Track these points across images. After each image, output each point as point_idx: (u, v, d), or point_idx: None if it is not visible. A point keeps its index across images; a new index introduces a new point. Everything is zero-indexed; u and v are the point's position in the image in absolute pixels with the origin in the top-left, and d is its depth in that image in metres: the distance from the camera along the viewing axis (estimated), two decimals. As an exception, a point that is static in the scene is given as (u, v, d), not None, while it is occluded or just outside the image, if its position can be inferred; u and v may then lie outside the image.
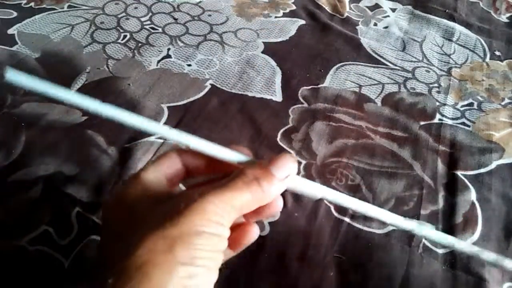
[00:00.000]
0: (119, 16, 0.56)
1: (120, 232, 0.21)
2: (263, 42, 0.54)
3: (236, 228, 0.26)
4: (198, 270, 0.19)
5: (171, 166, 0.25)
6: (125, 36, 0.53)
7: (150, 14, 0.57)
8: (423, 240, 0.36)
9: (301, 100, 0.47)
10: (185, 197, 0.21)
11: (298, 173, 0.40)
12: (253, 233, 0.26)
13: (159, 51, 0.51)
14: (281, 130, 0.43)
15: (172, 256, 0.18)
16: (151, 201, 0.22)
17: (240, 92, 0.47)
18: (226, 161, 0.24)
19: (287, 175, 0.23)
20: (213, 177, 0.26)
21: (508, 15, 0.64)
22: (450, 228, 0.37)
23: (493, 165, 0.42)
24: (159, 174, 0.24)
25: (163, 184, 0.24)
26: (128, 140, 0.41)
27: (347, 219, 0.37)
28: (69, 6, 0.56)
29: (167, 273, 0.18)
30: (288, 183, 0.24)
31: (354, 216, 0.37)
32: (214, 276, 0.20)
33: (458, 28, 0.60)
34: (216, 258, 0.20)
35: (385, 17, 0.61)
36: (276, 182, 0.23)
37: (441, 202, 0.38)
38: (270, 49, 0.53)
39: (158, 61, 0.50)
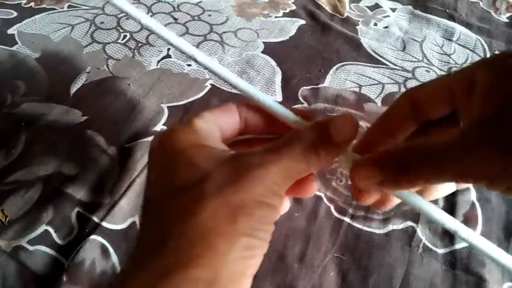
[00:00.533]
0: (119, 16, 0.56)
1: (174, 181, 0.20)
2: (263, 42, 0.54)
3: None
4: (257, 242, 0.18)
5: (228, 118, 0.23)
6: (125, 36, 0.53)
7: (150, 14, 0.57)
8: (423, 240, 0.36)
9: (301, 100, 0.47)
10: (244, 160, 0.19)
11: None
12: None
13: (159, 51, 0.51)
14: (281, 130, 0.43)
15: (235, 226, 0.18)
16: (208, 155, 0.20)
17: (240, 92, 0.47)
18: (286, 121, 0.23)
19: (347, 139, 0.21)
20: (265, 136, 0.24)
21: (508, 15, 0.64)
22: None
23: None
24: (213, 125, 0.22)
25: (217, 137, 0.22)
26: (128, 140, 0.41)
27: (347, 219, 0.37)
28: (69, 6, 0.56)
29: (229, 244, 0.17)
30: (347, 149, 0.21)
31: (354, 216, 0.37)
32: (267, 248, 0.20)
33: (458, 28, 0.60)
34: (270, 230, 0.19)
35: (385, 17, 0.61)
36: (334, 149, 0.21)
37: (441, 202, 0.38)
38: (270, 49, 0.53)
39: (158, 61, 0.50)
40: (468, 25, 0.60)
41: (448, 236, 0.36)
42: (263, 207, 0.18)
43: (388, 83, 0.50)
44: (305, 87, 0.48)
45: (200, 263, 0.17)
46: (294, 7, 0.61)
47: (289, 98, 0.47)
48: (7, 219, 0.34)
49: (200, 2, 0.60)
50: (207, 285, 0.17)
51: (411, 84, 0.50)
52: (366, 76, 0.51)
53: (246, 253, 0.18)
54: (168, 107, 0.45)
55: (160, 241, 0.18)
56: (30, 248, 0.33)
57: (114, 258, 0.33)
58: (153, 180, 0.21)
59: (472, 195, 0.39)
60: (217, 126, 0.23)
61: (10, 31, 0.51)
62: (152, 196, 0.21)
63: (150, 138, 0.41)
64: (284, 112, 0.23)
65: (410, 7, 0.63)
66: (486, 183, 0.17)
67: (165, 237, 0.18)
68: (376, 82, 0.50)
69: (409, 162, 0.19)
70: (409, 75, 0.52)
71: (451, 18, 0.61)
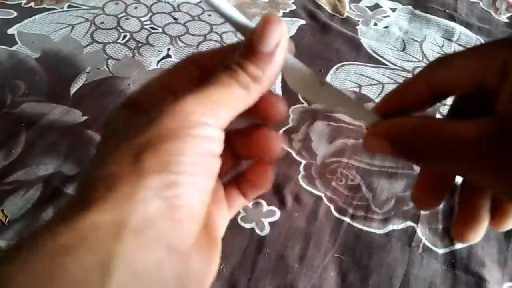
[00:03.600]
0: (119, 16, 0.56)
1: (98, 148, 0.20)
2: (263, 42, 0.54)
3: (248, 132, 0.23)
4: (178, 178, 0.17)
5: (181, 73, 0.22)
6: (125, 36, 0.53)
7: (150, 14, 0.57)
8: (423, 240, 0.36)
9: (301, 100, 0.47)
10: (163, 103, 0.18)
11: (298, 173, 0.40)
12: (272, 135, 0.22)
13: (159, 51, 0.51)
14: (281, 130, 0.43)
15: (139, 165, 0.16)
16: (132, 115, 0.19)
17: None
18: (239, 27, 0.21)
19: (276, 44, 0.19)
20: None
21: (508, 15, 0.64)
22: (450, 228, 0.37)
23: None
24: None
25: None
26: (128, 140, 0.41)
27: (347, 219, 0.37)
28: (69, 6, 0.56)
29: (134, 183, 0.16)
30: (281, 55, 0.19)
31: (354, 216, 0.37)
32: (208, 182, 0.18)
33: (458, 28, 0.60)
34: (206, 163, 0.18)
35: (385, 17, 0.61)
36: (266, 61, 0.19)
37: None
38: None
39: (158, 61, 0.50)
40: (468, 25, 0.60)
41: (448, 236, 0.36)
42: (181, 139, 0.17)
43: (388, 83, 0.50)
44: (305, 87, 0.48)
45: (101, 206, 0.15)
46: (294, 7, 0.61)
47: (289, 98, 0.47)
48: (7, 219, 0.34)
49: (200, 2, 0.60)
50: (114, 228, 0.15)
51: (411, 84, 0.50)
52: (366, 76, 0.51)
53: (165, 193, 0.16)
54: (168, 107, 0.45)
55: (76, 191, 0.18)
56: (30, 248, 0.33)
57: (114, 258, 0.33)
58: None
59: (472, 195, 0.39)
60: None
61: (10, 31, 0.51)
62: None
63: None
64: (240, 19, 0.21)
65: (410, 7, 0.63)
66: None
67: (78, 185, 0.17)
68: (376, 82, 0.50)
69: (420, 146, 0.17)
70: (409, 75, 0.52)
71: (451, 18, 0.61)
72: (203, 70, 0.22)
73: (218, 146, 0.19)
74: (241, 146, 0.23)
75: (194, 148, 0.17)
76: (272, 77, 0.20)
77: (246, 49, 0.19)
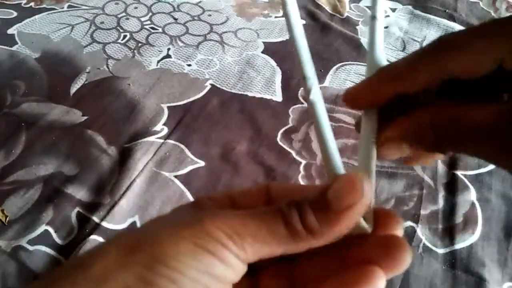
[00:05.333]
0: (119, 16, 0.56)
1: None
2: (263, 42, 0.54)
3: None
4: (161, 282, 0.15)
5: (247, 192, 0.20)
6: (125, 36, 0.53)
7: (150, 14, 0.57)
8: (423, 240, 0.36)
9: (301, 100, 0.47)
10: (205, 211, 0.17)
11: (298, 173, 0.40)
12: None
13: (159, 51, 0.51)
14: (281, 130, 0.43)
15: (127, 256, 0.15)
16: (187, 212, 0.18)
17: (240, 92, 0.47)
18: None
19: (354, 205, 0.16)
20: None
21: (508, 15, 0.64)
22: (450, 228, 0.37)
23: (493, 165, 0.42)
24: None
25: None
26: (128, 140, 0.41)
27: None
28: (69, 6, 0.56)
29: (112, 265, 0.15)
30: (351, 219, 0.16)
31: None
32: None
33: (458, 28, 0.60)
34: (206, 285, 0.15)
35: (385, 17, 0.61)
36: (330, 218, 0.16)
37: (441, 202, 0.38)
38: (270, 49, 0.53)
39: (158, 61, 0.50)
40: (468, 25, 0.60)
41: (448, 236, 0.36)
42: (183, 245, 0.15)
43: (388, 83, 0.50)
44: (305, 87, 0.48)
45: (64, 282, 0.14)
46: (294, 7, 0.61)
47: (289, 98, 0.47)
48: (7, 219, 0.34)
49: (200, 2, 0.60)
50: None
51: (411, 84, 0.50)
52: (366, 76, 0.51)
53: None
54: (168, 107, 0.45)
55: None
56: (30, 248, 0.33)
57: (114, 258, 0.33)
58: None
59: (472, 195, 0.39)
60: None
61: (10, 31, 0.51)
62: None
63: (150, 138, 0.41)
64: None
65: (410, 7, 0.63)
66: None
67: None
68: (376, 82, 0.50)
69: (441, 137, 0.16)
70: (409, 75, 0.52)
71: (451, 18, 0.61)
72: (272, 199, 0.19)
73: (233, 275, 0.16)
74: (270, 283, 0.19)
75: (199, 261, 0.15)
76: (332, 237, 0.16)
77: (314, 197, 0.16)
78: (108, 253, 0.15)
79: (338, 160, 0.18)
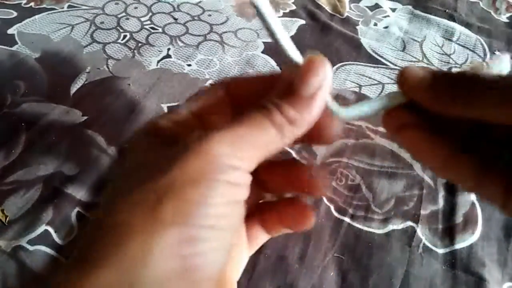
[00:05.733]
0: (119, 16, 0.56)
1: (114, 182, 0.18)
2: (263, 42, 0.54)
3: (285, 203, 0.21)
4: (200, 232, 0.15)
5: (207, 100, 0.20)
6: (125, 36, 0.53)
7: (150, 14, 0.57)
8: (423, 240, 0.36)
9: (301, 100, 0.47)
10: (189, 137, 0.16)
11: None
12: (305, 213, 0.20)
13: (159, 51, 0.51)
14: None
15: (156, 215, 0.14)
16: (156, 147, 0.17)
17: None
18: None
19: (318, 88, 0.17)
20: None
21: (508, 15, 0.64)
22: (450, 228, 0.37)
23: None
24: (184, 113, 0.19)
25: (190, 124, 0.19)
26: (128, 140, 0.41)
27: (347, 219, 0.37)
28: (69, 6, 0.56)
29: (148, 238, 0.14)
30: (322, 100, 0.18)
31: (354, 216, 0.37)
32: (232, 236, 0.16)
33: (458, 28, 0.60)
34: (231, 213, 0.16)
35: (385, 17, 0.61)
36: (305, 104, 0.17)
37: (441, 202, 0.38)
38: (270, 49, 0.53)
39: (158, 61, 0.50)
40: (468, 25, 0.60)
41: (448, 236, 0.36)
42: (200, 185, 0.15)
43: (388, 83, 0.50)
44: (305, 87, 0.48)
45: (109, 266, 0.14)
46: (294, 7, 0.61)
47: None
48: (7, 219, 0.34)
49: (200, 2, 0.60)
50: None
51: (411, 84, 0.50)
52: (366, 76, 0.51)
53: (185, 249, 0.14)
54: (168, 107, 0.45)
55: (85, 237, 0.16)
56: (30, 248, 0.33)
57: (114, 258, 0.33)
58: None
59: (472, 195, 0.39)
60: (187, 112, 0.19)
61: (10, 31, 0.51)
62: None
63: (150, 138, 0.41)
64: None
65: (410, 7, 0.63)
66: None
67: (89, 228, 0.15)
68: (376, 82, 0.50)
69: (463, 81, 0.16)
70: (409, 75, 0.52)
71: (451, 18, 0.61)
72: (235, 99, 0.20)
73: (245, 192, 0.17)
74: (270, 179, 0.21)
75: (220, 196, 0.15)
76: (310, 121, 0.18)
77: (285, 90, 0.18)
78: (135, 224, 0.14)
79: (294, 50, 0.19)
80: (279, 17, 0.59)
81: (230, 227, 0.16)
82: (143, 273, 0.13)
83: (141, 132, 0.19)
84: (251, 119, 0.17)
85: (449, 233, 0.36)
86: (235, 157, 0.16)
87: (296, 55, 0.19)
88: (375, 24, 0.60)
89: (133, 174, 0.17)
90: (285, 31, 0.19)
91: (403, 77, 0.18)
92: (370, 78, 0.50)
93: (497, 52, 0.56)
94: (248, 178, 0.17)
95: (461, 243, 0.36)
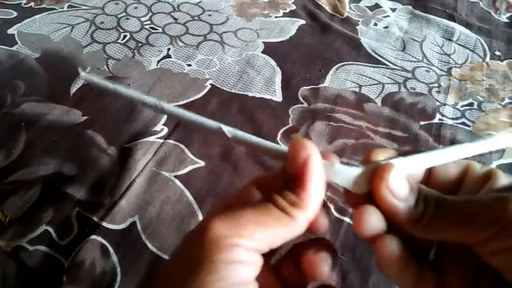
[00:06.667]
0: (119, 16, 0.56)
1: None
2: (263, 42, 0.54)
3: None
4: None
5: (242, 197, 0.21)
6: (125, 36, 0.53)
7: (150, 14, 0.57)
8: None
9: (301, 100, 0.47)
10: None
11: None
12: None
13: (159, 51, 0.51)
14: (281, 130, 0.43)
15: None
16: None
17: (240, 92, 0.47)
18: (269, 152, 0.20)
19: (303, 167, 0.18)
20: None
21: (508, 15, 0.64)
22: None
23: (493, 165, 0.42)
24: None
25: None
26: (128, 140, 0.41)
27: (347, 219, 0.37)
28: (69, 6, 0.56)
29: None
30: (315, 178, 0.18)
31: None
32: None
33: (458, 28, 0.60)
34: None
35: (385, 17, 0.61)
36: (298, 185, 0.18)
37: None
38: (270, 49, 0.53)
39: (158, 61, 0.50)
40: (468, 25, 0.60)
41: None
42: (200, 270, 0.16)
43: (388, 83, 0.50)
44: (305, 87, 0.48)
45: None
46: (294, 7, 0.61)
47: (289, 98, 0.47)
48: (7, 219, 0.34)
49: (200, 2, 0.60)
50: None
51: (411, 84, 0.50)
52: (366, 76, 0.51)
53: None
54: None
55: None
56: (30, 248, 0.33)
57: (114, 258, 0.33)
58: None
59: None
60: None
61: (10, 31, 0.51)
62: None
63: (150, 138, 0.41)
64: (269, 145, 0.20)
65: (410, 7, 0.63)
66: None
67: None
68: (376, 82, 0.50)
69: (434, 201, 0.18)
70: (409, 75, 0.52)
71: (451, 18, 0.61)
72: (264, 193, 0.21)
73: (254, 270, 0.17)
74: (288, 271, 0.21)
75: (226, 278, 0.15)
76: (310, 201, 0.18)
77: (283, 179, 0.19)
78: None
79: (273, 145, 0.20)
80: (279, 17, 0.59)
81: None
82: None
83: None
84: (256, 204, 0.18)
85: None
86: (236, 236, 0.16)
87: (281, 148, 0.19)
88: (375, 24, 0.60)
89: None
90: (260, 139, 0.20)
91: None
92: (370, 78, 0.50)
93: (497, 52, 0.56)
94: (258, 258, 0.17)
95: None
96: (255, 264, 0.17)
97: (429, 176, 0.20)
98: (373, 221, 0.18)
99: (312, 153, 0.18)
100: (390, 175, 0.18)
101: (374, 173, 0.18)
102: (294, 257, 0.20)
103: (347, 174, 0.19)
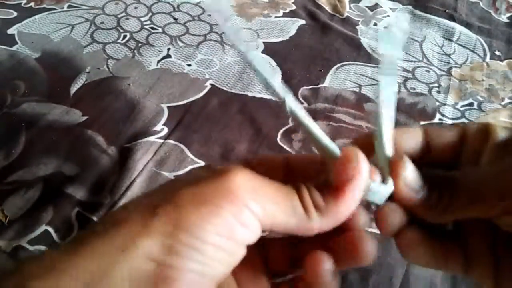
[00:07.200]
0: (119, 16, 0.56)
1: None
2: (263, 42, 0.54)
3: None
4: (187, 251, 0.15)
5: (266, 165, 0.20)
6: (125, 36, 0.53)
7: (150, 14, 0.57)
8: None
9: (301, 100, 0.47)
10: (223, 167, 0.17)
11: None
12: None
13: (159, 51, 0.51)
14: (281, 130, 0.43)
15: (149, 217, 0.15)
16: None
17: (240, 92, 0.47)
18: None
19: (349, 185, 0.17)
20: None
21: (508, 15, 0.64)
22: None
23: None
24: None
25: None
26: (128, 140, 0.41)
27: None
28: (69, 6, 0.56)
29: (135, 236, 0.14)
30: (353, 197, 0.17)
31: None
32: (218, 271, 0.15)
33: (458, 28, 0.60)
34: (226, 249, 0.15)
35: (385, 17, 0.61)
36: (333, 196, 0.17)
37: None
38: (270, 49, 0.53)
39: (158, 61, 0.50)
40: (468, 25, 0.60)
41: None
42: (205, 206, 0.15)
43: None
44: (305, 87, 0.48)
45: (90, 250, 0.14)
46: (294, 7, 0.61)
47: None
48: (7, 219, 0.34)
49: (200, 2, 0.60)
50: (89, 278, 0.14)
51: (411, 84, 0.50)
52: (366, 76, 0.51)
53: (162, 258, 0.14)
54: (168, 107, 0.45)
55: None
56: (30, 248, 0.33)
57: (114, 258, 0.33)
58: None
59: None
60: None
61: (10, 31, 0.51)
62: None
63: (150, 138, 0.41)
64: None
65: (410, 7, 0.63)
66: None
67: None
68: (376, 82, 0.50)
69: (444, 184, 0.18)
70: (409, 75, 0.52)
71: (451, 18, 0.61)
72: (287, 173, 0.20)
73: (251, 236, 0.16)
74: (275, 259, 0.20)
75: (221, 226, 0.15)
76: (335, 215, 0.17)
77: (320, 177, 0.18)
78: (129, 220, 0.15)
79: (328, 141, 0.18)
80: (279, 17, 0.59)
81: (220, 262, 0.15)
82: (117, 265, 0.14)
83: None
84: (283, 186, 0.17)
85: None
86: (253, 200, 0.15)
87: (334, 149, 0.18)
88: (375, 24, 0.60)
89: (165, 185, 0.18)
90: (319, 128, 0.19)
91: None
92: (370, 78, 0.50)
93: (497, 52, 0.56)
94: (258, 229, 0.16)
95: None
96: (255, 233, 0.16)
97: (427, 149, 0.20)
98: (396, 219, 0.18)
99: (362, 172, 0.17)
100: (406, 171, 0.18)
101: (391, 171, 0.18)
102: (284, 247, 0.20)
103: (382, 192, 0.18)
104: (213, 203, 0.15)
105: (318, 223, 0.17)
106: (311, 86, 0.48)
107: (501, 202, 0.16)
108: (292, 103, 0.18)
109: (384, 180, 0.18)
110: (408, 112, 0.46)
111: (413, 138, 0.20)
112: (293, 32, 0.56)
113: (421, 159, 0.19)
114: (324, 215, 0.17)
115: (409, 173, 0.18)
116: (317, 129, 0.18)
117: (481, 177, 0.17)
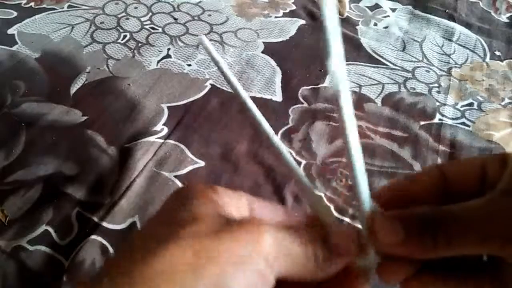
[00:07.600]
0: (119, 16, 0.56)
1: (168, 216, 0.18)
2: (263, 42, 0.54)
3: None
4: None
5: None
6: (125, 36, 0.53)
7: (150, 14, 0.57)
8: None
9: (301, 100, 0.47)
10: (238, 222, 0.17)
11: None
12: None
13: (159, 51, 0.51)
14: (281, 130, 0.43)
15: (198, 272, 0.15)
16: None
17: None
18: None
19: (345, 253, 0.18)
20: None
21: (508, 15, 0.64)
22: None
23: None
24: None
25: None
26: (128, 140, 0.41)
27: (347, 219, 0.37)
28: (69, 6, 0.56)
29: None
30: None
31: (354, 216, 0.37)
32: None
33: (458, 28, 0.60)
34: None
35: (385, 17, 0.61)
36: (334, 256, 0.18)
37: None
38: (270, 49, 0.53)
39: (158, 61, 0.50)
40: (468, 25, 0.60)
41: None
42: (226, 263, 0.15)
43: (388, 83, 0.50)
44: (305, 87, 0.48)
45: None
46: (294, 7, 0.61)
47: (289, 98, 0.47)
48: (7, 219, 0.34)
49: (200, 2, 0.60)
50: None
51: (411, 84, 0.50)
52: (366, 76, 0.51)
53: None
54: (168, 107, 0.45)
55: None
56: (30, 248, 0.33)
57: (114, 258, 0.33)
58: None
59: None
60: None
61: (10, 31, 0.51)
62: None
63: (150, 138, 0.41)
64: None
65: (410, 7, 0.63)
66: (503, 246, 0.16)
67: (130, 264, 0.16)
68: (376, 82, 0.50)
69: (436, 221, 0.18)
70: (409, 75, 0.52)
71: (451, 18, 0.61)
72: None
73: (267, 285, 0.17)
74: None
75: (246, 284, 0.16)
76: (335, 266, 0.18)
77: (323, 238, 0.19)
78: (174, 272, 0.15)
79: (367, 196, 0.18)
80: (279, 17, 0.59)
81: None
82: None
83: None
84: (302, 243, 0.17)
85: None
86: (278, 265, 0.16)
87: (367, 202, 0.19)
88: (375, 24, 0.60)
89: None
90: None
91: (373, 235, 0.19)
92: (370, 78, 0.50)
93: (497, 52, 0.56)
94: (272, 278, 0.17)
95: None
96: (270, 284, 0.17)
97: (445, 185, 0.20)
98: (400, 272, 0.19)
99: (351, 253, 0.18)
100: (378, 232, 0.18)
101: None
102: None
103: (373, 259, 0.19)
104: (250, 269, 0.16)
105: (325, 274, 0.18)
106: (311, 86, 0.48)
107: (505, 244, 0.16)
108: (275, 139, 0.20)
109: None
110: (408, 112, 0.46)
111: (429, 183, 0.20)
112: (293, 32, 0.56)
113: (442, 196, 0.19)
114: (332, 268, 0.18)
115: (381, 231, 0.18)
116: (363, 179, 0.18)
117: (487, 212, 0.17)
